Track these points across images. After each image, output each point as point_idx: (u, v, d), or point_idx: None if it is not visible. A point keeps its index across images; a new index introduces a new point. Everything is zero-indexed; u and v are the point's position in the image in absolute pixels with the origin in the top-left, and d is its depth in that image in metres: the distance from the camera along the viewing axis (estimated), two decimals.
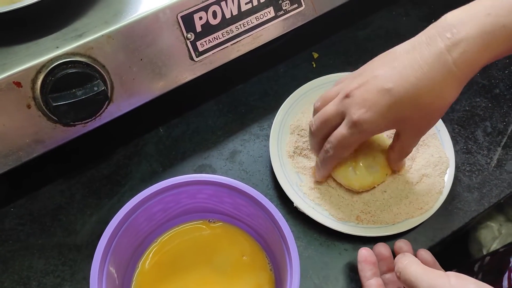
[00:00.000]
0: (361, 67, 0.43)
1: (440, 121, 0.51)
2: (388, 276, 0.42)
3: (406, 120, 0.40)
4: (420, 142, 0.51)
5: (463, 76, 0.38)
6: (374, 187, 0.47)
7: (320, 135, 0.44)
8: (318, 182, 0.48)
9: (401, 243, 0.44)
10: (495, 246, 0.77)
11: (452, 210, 0.47)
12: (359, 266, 0.41)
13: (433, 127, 0.50)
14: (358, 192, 0.48)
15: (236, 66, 0.51)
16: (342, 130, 0.41)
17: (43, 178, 0.50)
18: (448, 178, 0.48)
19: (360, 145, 0.45)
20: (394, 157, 0.45)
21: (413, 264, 0.35)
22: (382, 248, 0.43)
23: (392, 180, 0.48)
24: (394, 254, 0.43)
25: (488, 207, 0.48)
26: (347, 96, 0.41)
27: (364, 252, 0.42)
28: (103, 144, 0.52)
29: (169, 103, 0.51)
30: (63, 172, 0.51)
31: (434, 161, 0.49)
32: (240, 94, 0.56)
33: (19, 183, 0.50)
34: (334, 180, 0.48)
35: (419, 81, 0.37)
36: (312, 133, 0.45)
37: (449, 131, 0.51)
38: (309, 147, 0.50)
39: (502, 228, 0.86)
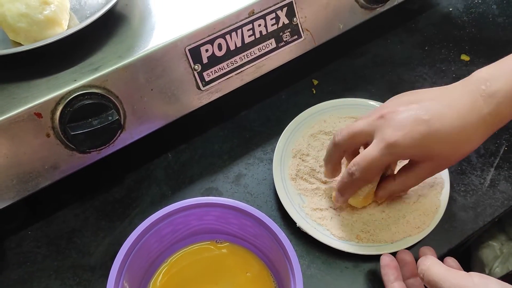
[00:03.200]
0: (391, 99, 0.44)
1: None
2: (411, 281, 0.43)
3: (433, 154, 0.41)
4: None
5: (492, 127, 0.41)
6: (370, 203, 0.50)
7: (343, 146, 0.44)
8: (337, 207, 0.50)
9: (425, 249, 0.44)
10: (496, 265, 0.78)
11: (448, 229, 0.50)
12: (382, 271, 0.42)
13: None
14: (357, 212, 0.50)
15: (240, 94, 0.54)
16: (372, 151, 0.41)
17: (59, 203, 0.53)
18: (443, 198, 0.50)
19: None
20: (392, 188, 0.45)
21: (436, 264, 0.36)
22: (405, 255, 0.44)
23: (391, 201, 0.51)
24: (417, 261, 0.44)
25: (482, 225, 0.50)
26: (382, 116, 0.42)
27: (386, 258, 0.43)
28: (115, 169, 0.55)
29: (177, 129, 0.54)
30: (78, 196, 0.53)
31: (430, 182, 0.52)
32: (244, 120, 0.59)
33: (37, 208, 0.52)
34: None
35: (455, 120, 0.39)
36: (335, 143, 0.45)
37: None
38: (309, 172, 0.52)
39: (503, 247, 0.87)
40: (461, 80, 0.42)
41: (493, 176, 0.53)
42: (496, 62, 0.42)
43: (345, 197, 0.47)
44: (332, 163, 0.47)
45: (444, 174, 0.52)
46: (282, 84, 0.61)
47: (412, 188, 0.51)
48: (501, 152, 0.55)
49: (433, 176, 0.52)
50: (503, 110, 0.40)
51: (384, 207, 0.50)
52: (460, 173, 0.54)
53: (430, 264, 0.37)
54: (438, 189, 0.51)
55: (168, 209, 0.43)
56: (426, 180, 0.51)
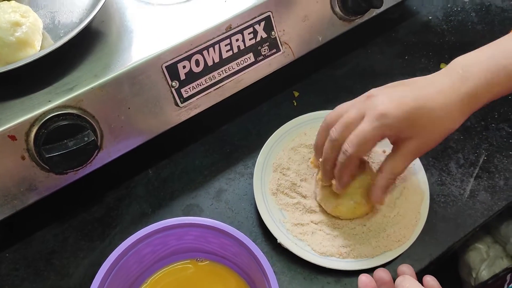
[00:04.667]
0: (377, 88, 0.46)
1: None
2: None
3: (418, 129, 0.43)
4: None
5: (470, 106, 0.43)
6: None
7: (342, 140, 0.44)
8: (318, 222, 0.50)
9: (404, 267, 0.45)
10: (483, 268, 0.79)
11: (429, 241, 0.50)
12: None
13: None
14: (338, 227, 0.50)
15: (220, 107, 0.54)
16: (364, 125, 0.43)
17: (37, 222, 0.52)
18: (423, 210, 0.51)
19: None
20: (382, 181, 0.45)
21: (415, 286, 0.37)
22: (382, 273, 0.44)
23: (371, 214, 0.51)
24: (395, 279, 0.43)
25: (463, 236, 0.51)
26: (370, 96, 0.44)
27: (364, 279, 0.43)
28: (94, 187, 0.54)
29: (157, 144, 0.53)
30: (57, 216, 0.52)
31: (410, 194, 0.52)
32: (225, 134, 0.59)
33: (14, 228, 0.51)
34: (317, 214, 0.51)
35: (438, 97, 0.42)
36: (332, 141, 0.45)
37: (424, 164, 0.54)
38: (290, 186, 0.52)
39: (490, 250, 0.87)
40: (442, 69, 0.46)
41: (473, 186, 0.54)
42: (474, 50, 0.45)
43: (344, 180, 0.46)
44: (333, 161, 0.46)
45: (424, 186, 0.52)
46: (262, 96, 0.61)
47: (392, 201, 0.51)
48: (481, 162, 0.55)
49: (413, 189, 0.52)
50: (479, 91, 0.42)
51: (365, 221, 0.50)
52: (440, 184, 0.54)
53: (408, 286, 0.37)
54: (418, 202, 0.51)
55: (147, 230, 0.43)
56: (405, 193, 0.52)
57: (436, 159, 0.56)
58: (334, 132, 0.45)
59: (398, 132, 0.43)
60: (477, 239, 0.80)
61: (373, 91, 0.45)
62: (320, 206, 0.52)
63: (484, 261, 0.85)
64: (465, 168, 0.55)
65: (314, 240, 0.49)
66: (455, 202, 0.53)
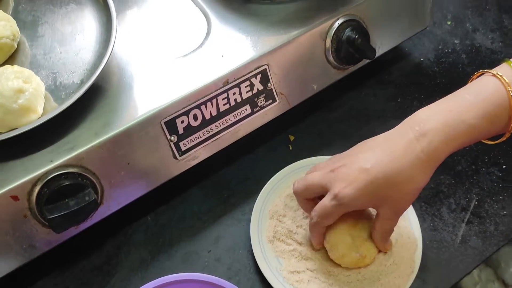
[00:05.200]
0: (346, 151, 0.49)
1: None
2: None
3: (382, 199, 0.45)
4: None
5: (430, 162, 0.44)
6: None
7: (301, 196, 0.50)
8: (312, 253, 0.53)
9: None
10: None
11: None
12: None
13: None
14: (333, 274, 0.51)
15: (217, 151, 0.55)
16: (325, 201, 0.47)
17: (38, 272, 0.53)
18: (417, 257, 0.52)
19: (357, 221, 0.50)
20: (377, 237, 0.49)
21: None
22: None
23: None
24: None
25: (454, 283, 0.52)
26: (332, 171, 0.47)
27: None
28: (94, 235, 0.55)
29: (156, 190, 0.55)
30: (57, 264, 0.53)
31: (404, 242, 0.53)
32: (222, 178, 0.60)
33: (17, 278, 0.52)
34: (313, 261, 0.52)
35: (392, 163, 0.44)
36: (294, 192, 0.51)
37: (416, 209, 0.55)
38: (286, 233, 0.54)
39: (482, 273, 0.89)
40: (402, 122, 0.46)
41: (464, 232, 0.55)
42: (434, 103, 0.46)
43: (315, 241, 0.51)
44: (303, 208, 0.52)
45: (417, 232, 0.54)
46: (258, 140, 0.62)
47: (387, 250, 0.53)
48: (472, 207, 0.57)
49: (407, 236, 0.53)
50: (435, 146, 0.43)
51: (360, 269, 0.52)
52: (432, 229, 0.55)
53: None
54: (412, 250, 0.52)
55: (146, 287, 0.44)
56: (400, 240, 0.53)
57: (428, 204, 0.57)
58: (295, 186, 0.51)
59: (363, 206, 0.47)
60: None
61: (335, 164, 0.47)
62: (315, 253, 0.53)
63: (476, 284, 0.86)
64: (457, 213, 0.57)
65: None
66: (448, 248, 0.54)
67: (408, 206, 0.47)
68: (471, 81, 0.47)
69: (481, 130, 0.43)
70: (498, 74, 0.43)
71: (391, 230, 0.49)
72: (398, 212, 0.47)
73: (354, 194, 0.44)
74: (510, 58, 0.45)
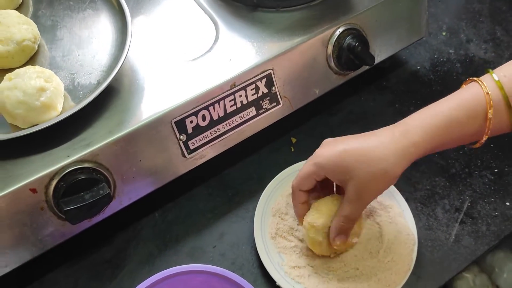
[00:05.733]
0: None
1: (404, 201, 0.58)
2: None
3: (351, 171, 0.46)
4: (389, 220, 0.57)
5: (405, 150, 0.46)
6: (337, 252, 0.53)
7: (297, 187, 0.52)
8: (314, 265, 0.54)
9: None
10: None
11: (416, 285, 0.54)
12: None
13: (398, 207, 0.58)
14: (332, 269, 0.53)
15: (223, 152, 0.58)
16: (304, 166, 0.51)
17: (49, 264, 0.55)
18: (414, 255, 0.54)
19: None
20: (333, 224, 0.49)
21: None
22: None
23: (366, 257, 0.54)
24: None
25: (448, 279, 0.55)
26: (321, 145, 0.51)
27: None
28: (104, 229, 0.57)
29: (164, 188, 0.57)
30: (68, 257, 0.56)
31: (404, 238, 0.55)
32: (227, 178, 0.63)
33: (29, 269, 0.54)
34: (313, 257, 0.54)
35: (370, 141, 0.47)
36: (291, 187, 0.53)
37: (412, 209, 0.58)
38: (288, 230, 0.56)
39: (476, 278, 0.91)
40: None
41: (458, 231, 0.58)
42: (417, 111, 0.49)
43: (294, 205, 0.54)
44: (293, 201, 0.54)
45: (415, 230, 0.56)
46: (262, 142, 0.65)
47: (387, 245, 0.54)
48: (465, 208, 0.60)
49: (405, 233, 0.56)
50: (416, 139, 0.46)
51: (358, 264, 0.54)
52: (427, 228, 0.58)
53: None
54: (411, 247, 0.55)
55: (155, 277, 0.46)
56: (398, 236, 0.55)
57: (423, 204, 0.60)
58: (293, 181, 0.53)
59: (334, 175, 0.48)
60: (464, 268, 0.84)
61: (325, 141, 0.51)
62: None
63: None
64: (451, 213, 0.59)
65: (310, 283, 0.53)
66: (441, 247, 0.57)
67: (373, 195, 0.48)
68: None
69: (459, 122, 0.45)
70: (478, 79, 0.46)
71: (350, 220, 0.49)
72: (361, 196, 0.47)
73: (329, 155, 0.48)
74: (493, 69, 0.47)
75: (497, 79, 0.45)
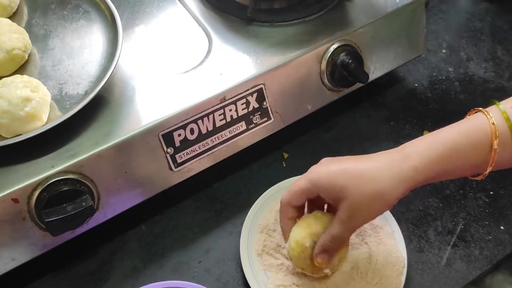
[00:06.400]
0: None
1: (394, 221, 0.57)
2: None
3: (343, 190, 0.45)
4: (378, 241, 0.56)
5: (403, 175, 0.44)
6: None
7: (286, 203, 0.50)
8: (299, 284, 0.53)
9: None
10: None
11: None
12: None
13: (388, 227, 0.57)
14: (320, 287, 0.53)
15: (213, 165, 0.57)
16: (298, 181, 0.49)
17: (33, 274, 0.54)
18: (403, 278, 0.53)
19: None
20: (323, 241, 0.47)
21: None
22: None
23: (354, 278, 0.53)
24: None
25: None
26: (309, 170, 0.50)
27: None
28: (90, 239, 0.57)
29: (151, 200, 0.57)
30: (52, 267, 0.55)
31: (393, 260, 0.54)
32: (216, 192, 0.62)
33: (11, 280, 0.54)
34: (299, 276, 0.53)
35: (366, 162, 0.46)
36: (280, 201, 0.51)
37: (403, 230, 0.57)
38: (275, 248, 0.55)
39: None
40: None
41: (450, 254, 0.56)
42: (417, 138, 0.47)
43: (281, 220, 0.52)
44: (281, 215, 0.52)
45: (404, 252, 0.55)
46: (253, 156, 0.64)
47: (376, 267, 0.54)
48: (458, 231, 0.58)
49: (395, 255, 0.55)
50: (415, 164, 0.44)
51: (346, 285, 0.53)
52: (418, 250, 0.57)
53: None
54: (400, 269, 0.53)
55: None
56: (388, 258, 0.54)
57: (415, 225, 0.59)
58: (283, 196, 0.52)
59: (326, 192, 0.47)
60: None
61: (323, 159, 0.50)
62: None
63: None
64: (443, 236, 0.58)
65: None
66: (432, 270, 0.55)
67: (365, 218, 0.46)
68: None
69: (463, 151, 0.44)
70: (483, 109, 0.45)
71: (336, 240, 0.47)
72: (353, 217, 0.45)
73: (324, 173, 0.47)
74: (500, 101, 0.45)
75: (503, 110, 0.44)
